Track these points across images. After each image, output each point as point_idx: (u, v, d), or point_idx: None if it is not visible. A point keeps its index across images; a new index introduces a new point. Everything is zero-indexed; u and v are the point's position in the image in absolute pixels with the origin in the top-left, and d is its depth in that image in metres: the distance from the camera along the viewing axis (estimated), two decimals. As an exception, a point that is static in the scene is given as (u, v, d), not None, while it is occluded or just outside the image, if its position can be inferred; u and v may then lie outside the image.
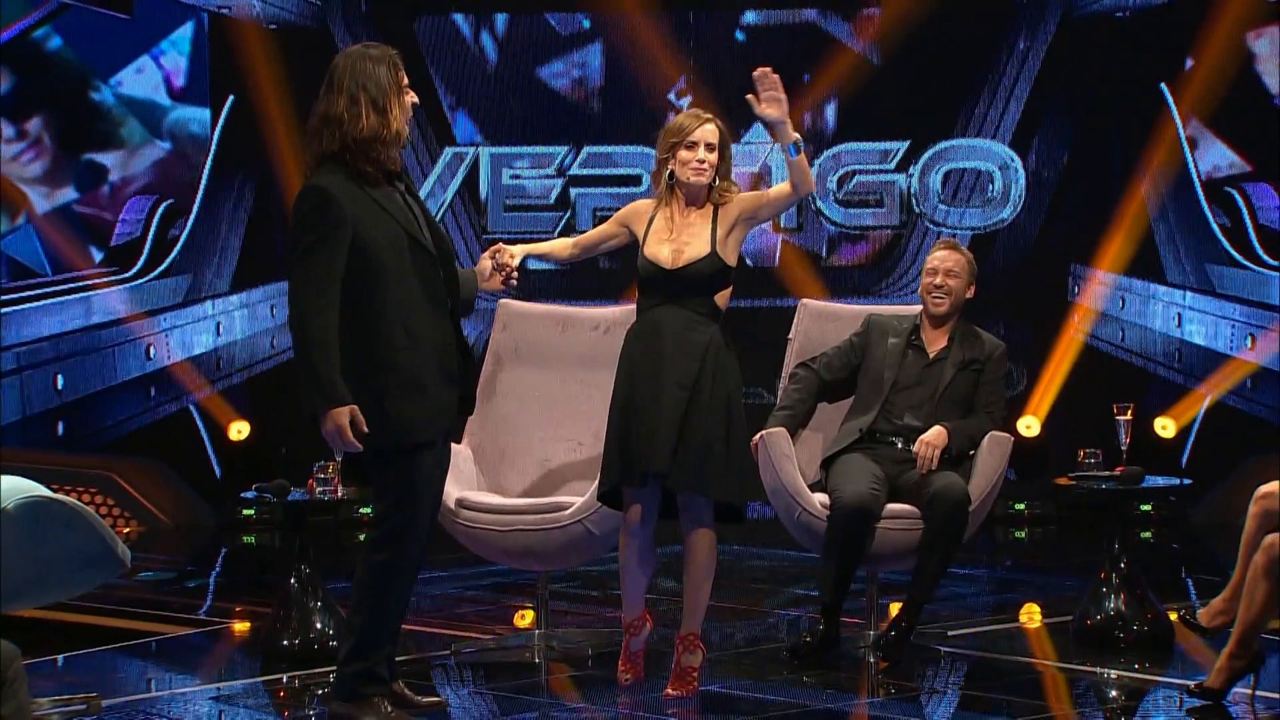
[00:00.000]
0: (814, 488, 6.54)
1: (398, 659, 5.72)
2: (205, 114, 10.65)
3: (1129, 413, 6.71)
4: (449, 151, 10.77)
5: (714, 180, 5.97)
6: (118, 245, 10.60)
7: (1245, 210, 10.33)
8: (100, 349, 10.53)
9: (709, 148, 5.94)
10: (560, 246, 6.23)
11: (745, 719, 5.67)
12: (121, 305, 10.55)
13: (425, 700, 5.73)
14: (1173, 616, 6.47)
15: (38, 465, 9.33)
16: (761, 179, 10.54)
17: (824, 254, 10.77)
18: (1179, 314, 10.52)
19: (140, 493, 10.55)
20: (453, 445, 6.02)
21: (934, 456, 6.42)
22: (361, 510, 9.86)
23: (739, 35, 10.77)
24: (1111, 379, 10.32)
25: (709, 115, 6.02)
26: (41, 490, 5.09)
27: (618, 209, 6.23)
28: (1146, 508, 10.17)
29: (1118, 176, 10.54)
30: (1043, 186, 10.67)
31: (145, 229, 10.61)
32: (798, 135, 5.84)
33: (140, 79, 10.68)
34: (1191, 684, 5.70)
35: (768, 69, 5.85)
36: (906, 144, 10.68)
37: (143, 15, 10.59)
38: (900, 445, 6.55)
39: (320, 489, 6.47)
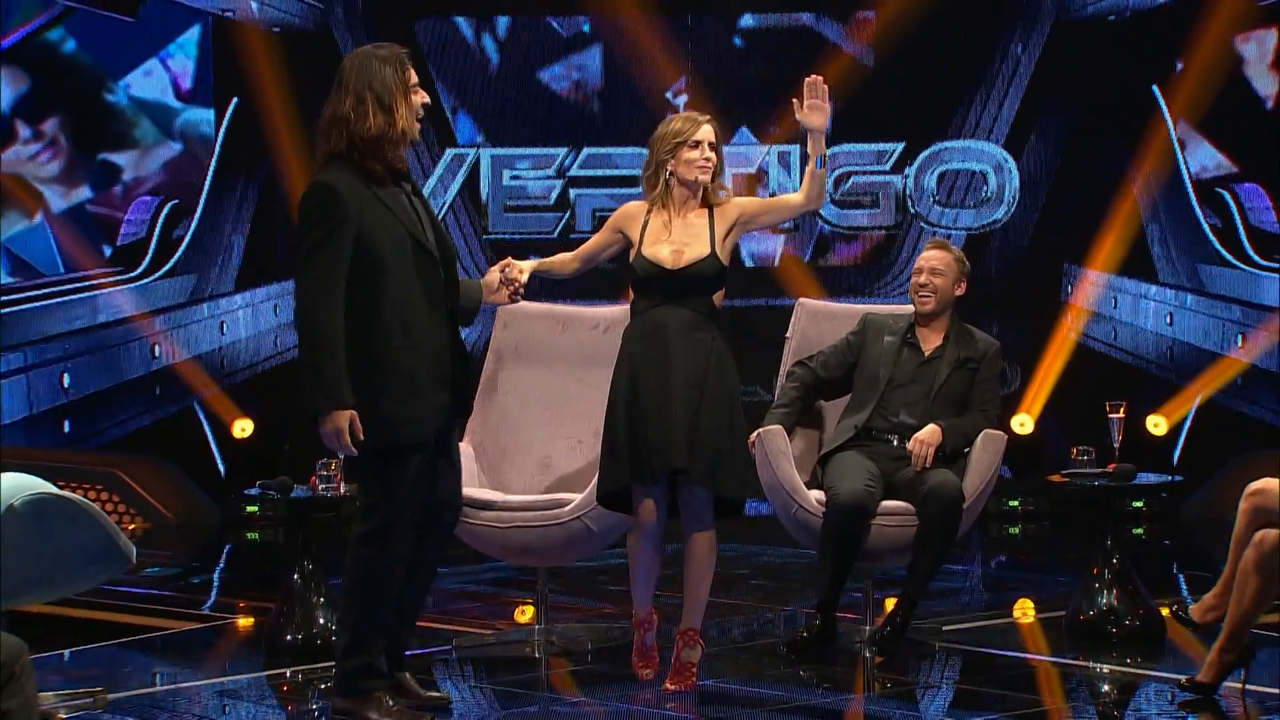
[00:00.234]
0: (810, 485, 6.55)
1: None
2: (211, 115, 10.70)
3: (1121, 410, 6.70)
4: (450, 153, 10.79)
5: (709, 180, 6.04)
6: (123, 245, 10.62)
7: (1236, 211, 10.33)
8: (106, 348, 10.54)
9: (710, 146, 5.99)
10: (563, 261, 6.20)
11: (743, 711, 5.69)
12: (127, 305, 10.57)
13: (430, 694, 5.75)
14: (1164, 611, 6.46)
15: (44, 462, 9.32)
16: (757, 181, 10.58)
17: (821, 254, 10.80)
18: (1170, 313, 10.53)
19: (145, 490, 10.56)
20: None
21: (929, 454, 6.43)
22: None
23: (735, 39, 10.81)
24: (1104, 377, 10.31)
25: (705, 117, 6.07)
26: (48, 487, 5.09)
27: (616, 209, 6.25)
28: (1138, 504, 10.16)
29: (1110, 178, 10.54)
30: (1036, 187, 10.69)
31: (150, 229, 10.62)
32: (826, 150, 5.93)
33: (149, 81, 10.70)
34: (1183, 678, 5.74)
35: (819, 78, 5.95)
36: (902, 145, 10.73)
37: (147, 18, 10.63)
38: (895, 442, 6.57)
39: (323, 486, 6.49)
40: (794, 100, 5.98)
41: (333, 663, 5.57)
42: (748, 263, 10.63)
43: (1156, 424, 10.35)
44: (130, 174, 10.73)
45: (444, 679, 6.22)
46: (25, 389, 10.36)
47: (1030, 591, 8.21)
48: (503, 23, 10.85)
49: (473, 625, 7.15)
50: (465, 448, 6.81)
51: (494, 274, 5.86)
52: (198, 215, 10.67)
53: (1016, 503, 10.44)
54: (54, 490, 5.13)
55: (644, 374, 5.88)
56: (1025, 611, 7.73)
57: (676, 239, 5.95)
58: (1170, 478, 6.95)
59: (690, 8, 10.79)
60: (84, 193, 10.69)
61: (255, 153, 10.67)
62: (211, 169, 10.66)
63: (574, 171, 10.79)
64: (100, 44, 10.66)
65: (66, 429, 10.51)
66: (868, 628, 6.63)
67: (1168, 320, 10.55)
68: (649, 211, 6.03)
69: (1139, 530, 9.95)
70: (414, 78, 5.43)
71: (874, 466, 6.48)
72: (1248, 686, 5.69)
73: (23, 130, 10.55)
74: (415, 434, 5.38)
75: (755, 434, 6.51)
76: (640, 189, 6.16)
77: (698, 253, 5.93)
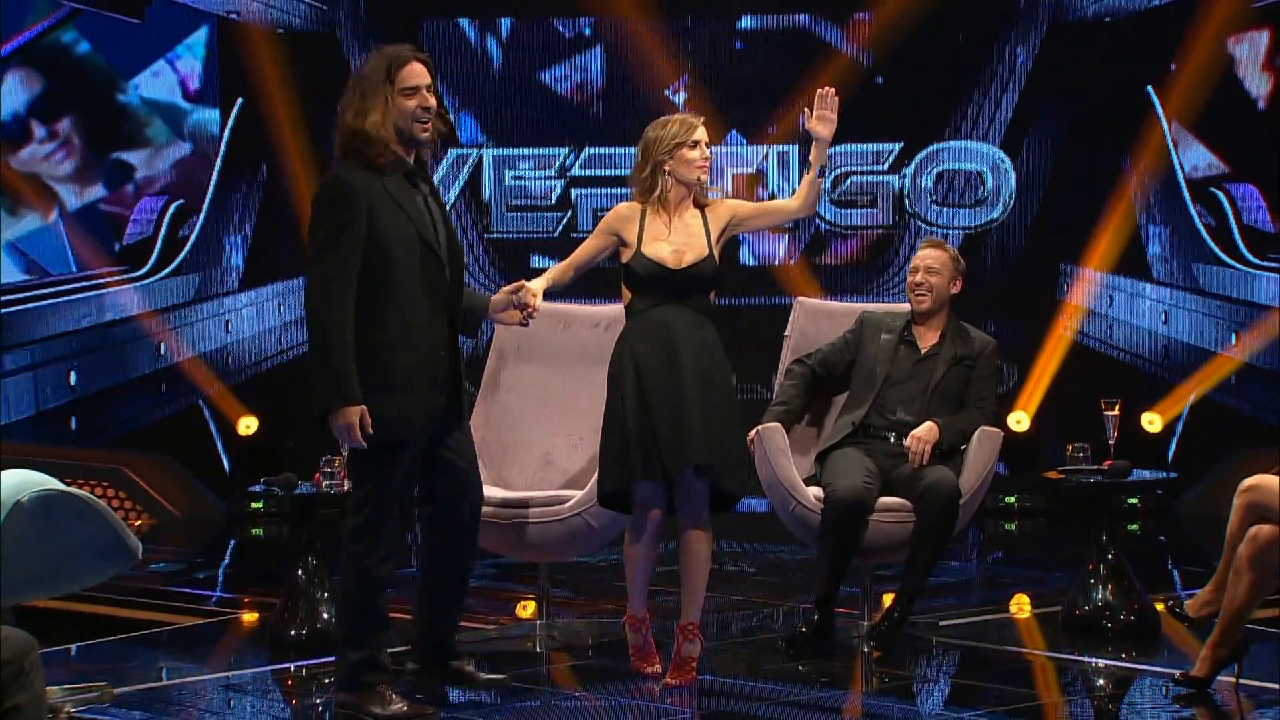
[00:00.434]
0: (808, 481, 6.56)
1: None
2: (216, 115, 10.73)
3: (1116, 408, 6.71)
4: (453, 153, 10.79)
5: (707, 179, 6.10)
6: (129, 244, 10.65)
7: (1230, 210, 10.34)
8: (113, 346, 10.55)
9: (706, 145, 6.06)
10: (561, 272, 6.14)
11: (742, 705, 5.72)
12: (133, 303, 10.58)
13: (488, 677, 5.83)
14: (1159, 607, 6.50)
15: (51, 460, 9.28)
16: (756, 181, 10.61)
17: (819, 254, 10.83)
18: (1165, 311, 10.54)
19: (151, 486, 10.56)
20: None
21: (926, 451, 6.46)
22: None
23: (734, 41, 10.84)
24: (1100, 375, 10.35)
25: (699, 118, 6.11)
26: (54, 483, 5.12)
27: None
28: (1134, 501, 10.15)
29: (1106, 178, 10.56)
30: (1033, 187, 10.71)
31: (156, 229, 10.65)
32: (827, 161, 6.02)
33: (157, 82, 10.72)
34: (1177, 673, 5.74)
35: (830, 89, 6.03)
36: (899, 146, 10.77)
37: (154, 20, 10.66)
38: (893, 439, 6.59)
39: (327, 483, 6.50)
40: (805, 109, 6.08)
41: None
42: (747, 262, 10.66)
43: (1151, 421, 10.36)
44: (142, 173, 10.73)
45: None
46: (33, 387, 10.37)
47: (1026, 587, 8.21)
48: (505, 24, 10.87)
49: (474, 620, 7.11)
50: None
51: (503, 295, 5.86)
52: (202, 214, 10.68)
53: (1013, 499, 10.42)
54: (61, 486, 5.14)
55: (652, 373, 5.89)
56: (1021, 607, 7.74)
57: (676, 239, 5.99)
58: (1165, 474, 6.97)
59: (690, 9, 10.81)
60: (98, 191, 10.71)
61: (259, 153, 10.69)
62: (216, 169, 10.67)
63: (575, 171, 10.81)
64: (110, 45, 10.68)
65: (73, 426, 10.51)
66: (865, 623, 6.65)
67: (1163, 318, 10.57)
68: (643, 212, 6.05)
69: (1134, 526, 9.94)
70: (415, 80, 5.41)
71: (871, 463, 6.51)
72: (1241, 681, 5.70)
73: (38, 130, 10.58)
74: (403, 432, 5.41)
75: (754, 431, 6.56)
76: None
77: (698, 253, 5.97)
